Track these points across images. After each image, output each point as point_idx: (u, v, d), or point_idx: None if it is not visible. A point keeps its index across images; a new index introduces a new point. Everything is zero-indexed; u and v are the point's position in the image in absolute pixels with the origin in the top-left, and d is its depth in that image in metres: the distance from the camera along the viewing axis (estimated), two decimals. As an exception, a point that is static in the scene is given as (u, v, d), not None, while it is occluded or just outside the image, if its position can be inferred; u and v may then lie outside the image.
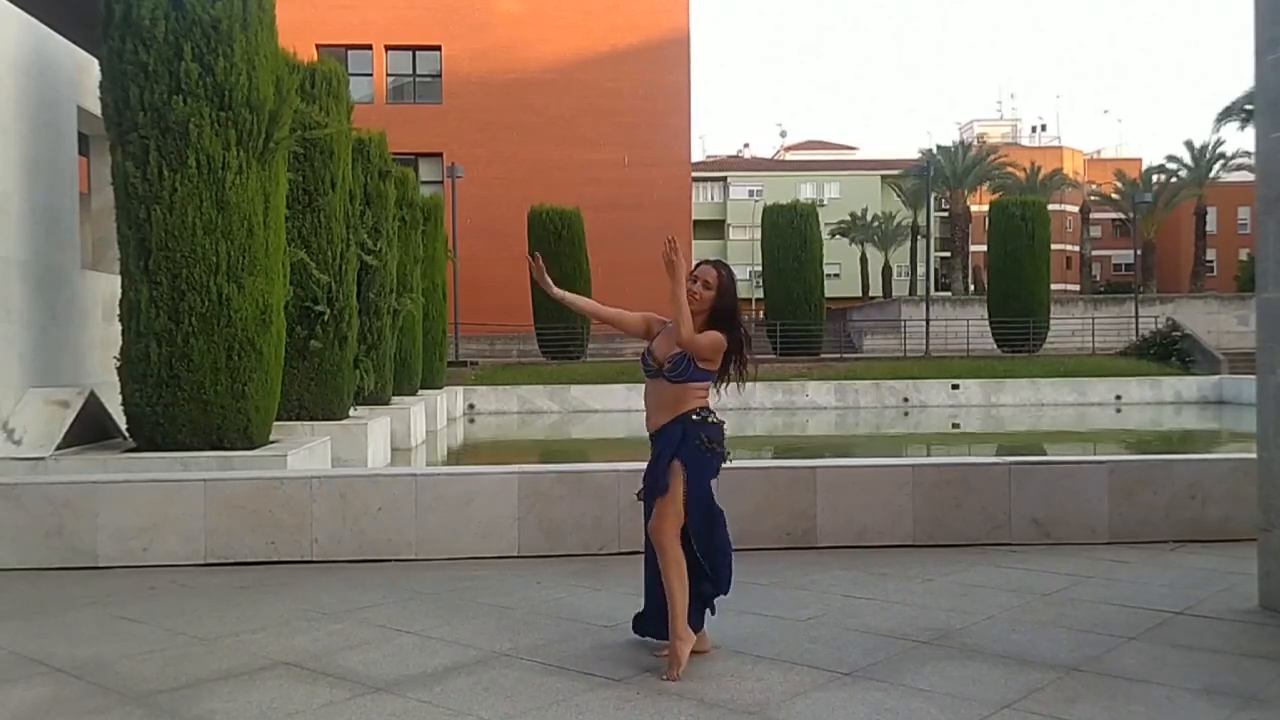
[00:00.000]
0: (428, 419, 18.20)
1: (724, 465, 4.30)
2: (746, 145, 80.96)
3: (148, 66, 8.22)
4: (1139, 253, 45.99)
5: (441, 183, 32.58)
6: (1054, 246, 38.50)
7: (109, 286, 9.94)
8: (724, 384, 4.37)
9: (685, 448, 4.15)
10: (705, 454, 4.19)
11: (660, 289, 4.28)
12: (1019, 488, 6.66)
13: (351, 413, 12.97)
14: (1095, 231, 67.36)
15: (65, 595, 5.51)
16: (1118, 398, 27.80)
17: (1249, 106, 40.11)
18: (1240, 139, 54.74)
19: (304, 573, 6.01)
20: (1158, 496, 6.73)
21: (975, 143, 59.65)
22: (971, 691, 3.75)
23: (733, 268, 4.46)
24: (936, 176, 47.84)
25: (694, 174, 44.48)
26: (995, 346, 33.73)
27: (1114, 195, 58.97)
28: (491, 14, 36.86)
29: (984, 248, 38.17)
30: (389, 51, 37.19)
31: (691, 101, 38.19)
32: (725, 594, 4.31)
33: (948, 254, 56.90)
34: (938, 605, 5.03)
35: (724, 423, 4.31)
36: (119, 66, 8.30)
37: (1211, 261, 60.08)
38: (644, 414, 4.32)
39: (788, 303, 32.15)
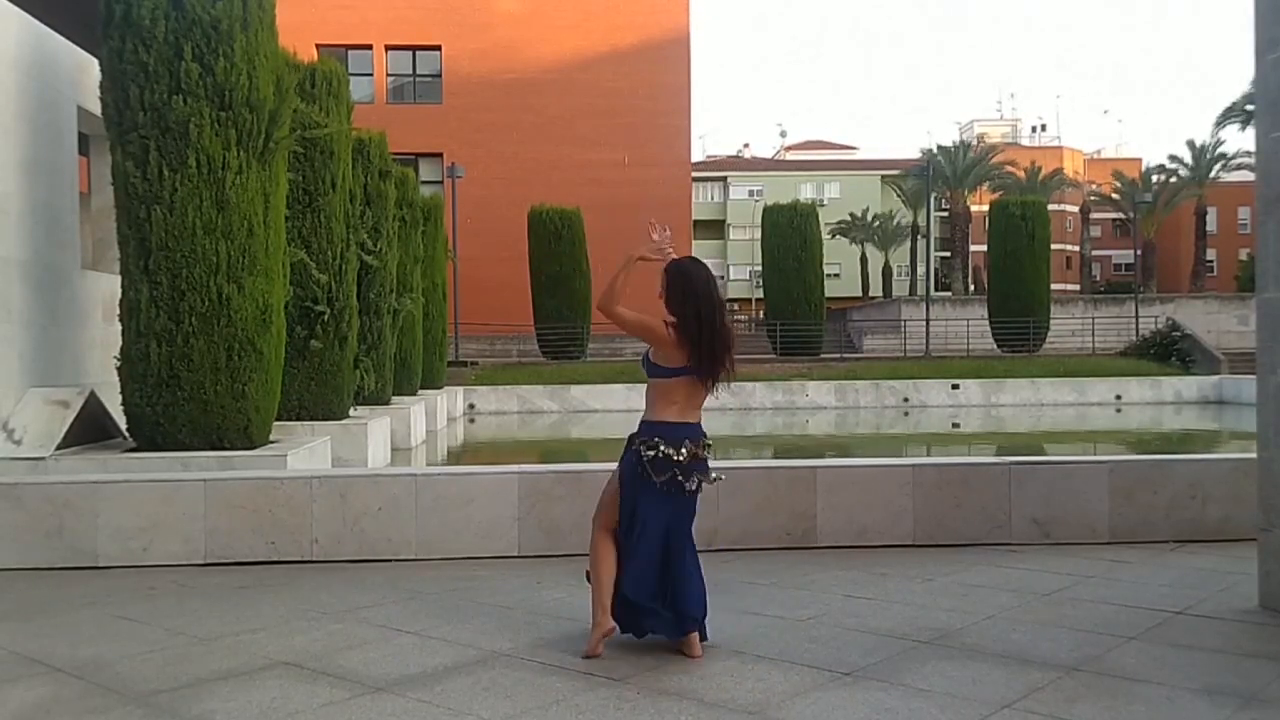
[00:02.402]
0: (428, 419, 18.20)
1: (712, 476, 4.30)
2: (746, 145, 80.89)
3: (148, 66, 8.22)
4: (1139, 253, 46.02)
5: (441, 183, 32.59)
6: (1054, 246, 38.52)
7: (109, 286, 9.94)
8: (705, 386, 4.24)
9: (626, 457, 4.27)
10: (639, 473, 4.19)
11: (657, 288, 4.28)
12: (1019, 488, 6.66)
13: (351, 413, 12.97)
14: (1095, 231, 67.37)
15: (65, 595, 5.51)
16: (1118, 398, 27.80)
17: (1249, 107, 40.11)
18: (1241, 139, 54.78)
19: (304, 573, 6.01)
20: (1158, 496, 6.73)
21: (975, 143, 59.67)
22: (971, 691, 3.75)
23: (702, 262, 4.36)
24: (936, 176, 47.84)
25: (694, 174, 44.49)
26: (995, 346, 33.74)
27: (1114, 195, 58.99)
28: (491, 14, 36.87)
29: (984, 248, 38.20)
30: (389, 51, 37.21)
31: (691, 101, 38.22)
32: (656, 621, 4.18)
33: (948, 254, 56.91)
34: (938, 605, 5.03)
35: (674, 454, 4.12)
36: (119, 66, 8.30)
37: (1211, 261, 60.08)
38: None
39: (788, 303, 32.17)
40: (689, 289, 4.19)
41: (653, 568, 4.19)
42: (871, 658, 4.17)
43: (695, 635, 4.19)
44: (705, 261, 4.47)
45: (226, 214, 8.34)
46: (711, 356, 4.17)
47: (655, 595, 4.18)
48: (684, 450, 4.15)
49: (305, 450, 9.03)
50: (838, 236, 59.49)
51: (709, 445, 4.28)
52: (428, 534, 6.38)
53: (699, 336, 4.13)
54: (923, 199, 50.33)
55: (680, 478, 4.16)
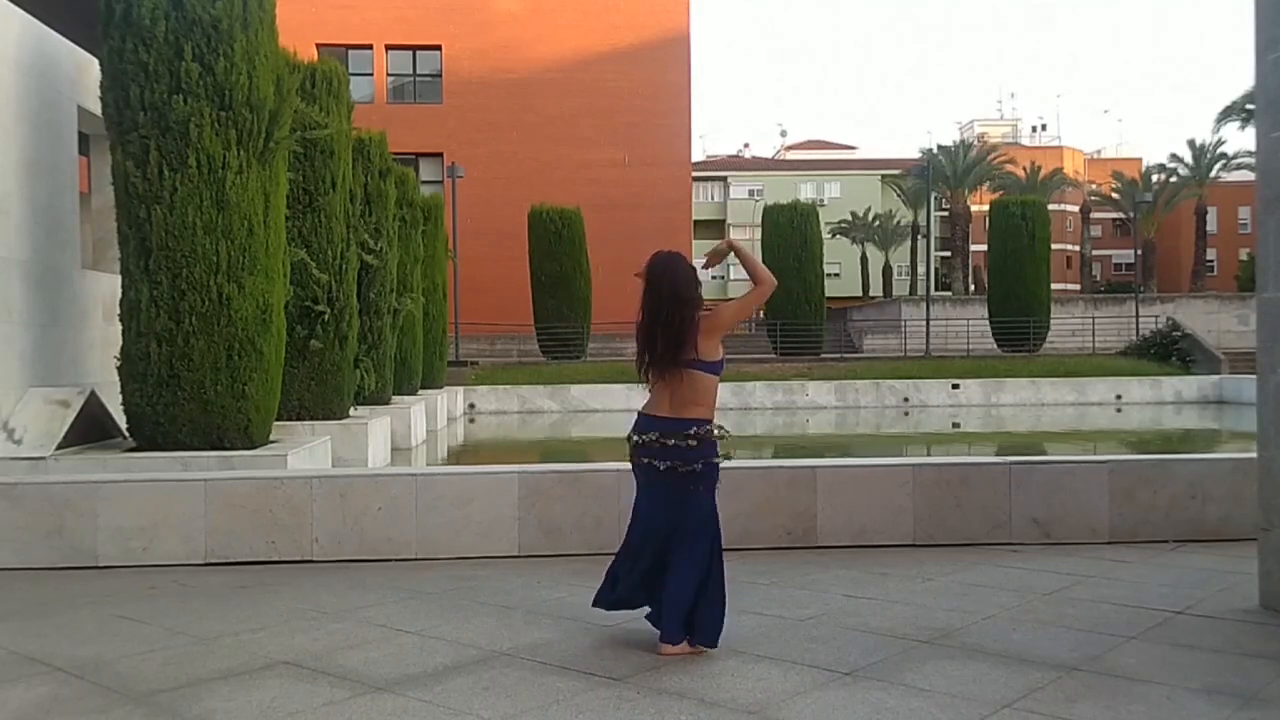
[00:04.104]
0: (428, 419, 18.20)
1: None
2: (746, 145, 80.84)
3: (148, 66, 8.22)
4: (1139, 252, 46.02)
5: (441, 183, 32.58)
6: (1054, 246, 38.46)
7: (109, 286, 9.94)
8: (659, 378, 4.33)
9: None
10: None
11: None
12: (1019, 487, 6.66)
13: (352, 412, 12.97)
14: (1095, 231, 67.34)
15: (65, 595, 5.51)
16: (1118, 397, 27.79)
17: (1250, 106, 40.11)
18: (1241, 139, 54.77)
19: (304, 572, 6.01)
20: (1158, 496, 6.73)
21: (975, 142, 59.57)
22: (972, 691, 3.75)
23: (671, 255, 4.36)
24: (936, 176, 47.81)
25: (694, 174, 44.46)
26: (995, 346, 33.73)
27: (1114, 195, 58.96)
28: (492, 13, 36.86)
29: (984, 247, 38.18)
30: (389, 51, 37.20)
31: (691, 101, 38.20)
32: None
33: (948, 254, 56.87)
34: (938, 605, 5.04)
35: (638, 439, 4.35)
36: (119, 66, 8.30)
37: (1212, 261, 60.07)
38: (713, 410, 4.40)
39: (788, 302, 32.13)
40: (646, 283, 4.29)
41: (638, 559, 4.35)
42: (871, 657, 4.17)
43: (667, 644, 4.22)
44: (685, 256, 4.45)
45: (226, 214, 8.34)
46: (645, 349, 4.26)
47: (638, 585, 4.37)
48: (648, 436, 4.27)
49: (305, 450, 9.03)
50: (838, 236, 59.46)
51: (693, 436, 4.26)
52: (428, 534, 6.39)
53: (638, 330, 4.29)
54: (923, 199, 50.33)
55: (650, 460, 4.27)
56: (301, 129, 11.02)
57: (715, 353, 4.29)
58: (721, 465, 4.38)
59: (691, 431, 4.24)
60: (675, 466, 4.23)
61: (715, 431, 4.33)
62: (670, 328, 4.19)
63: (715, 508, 4.36)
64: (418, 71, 37.80)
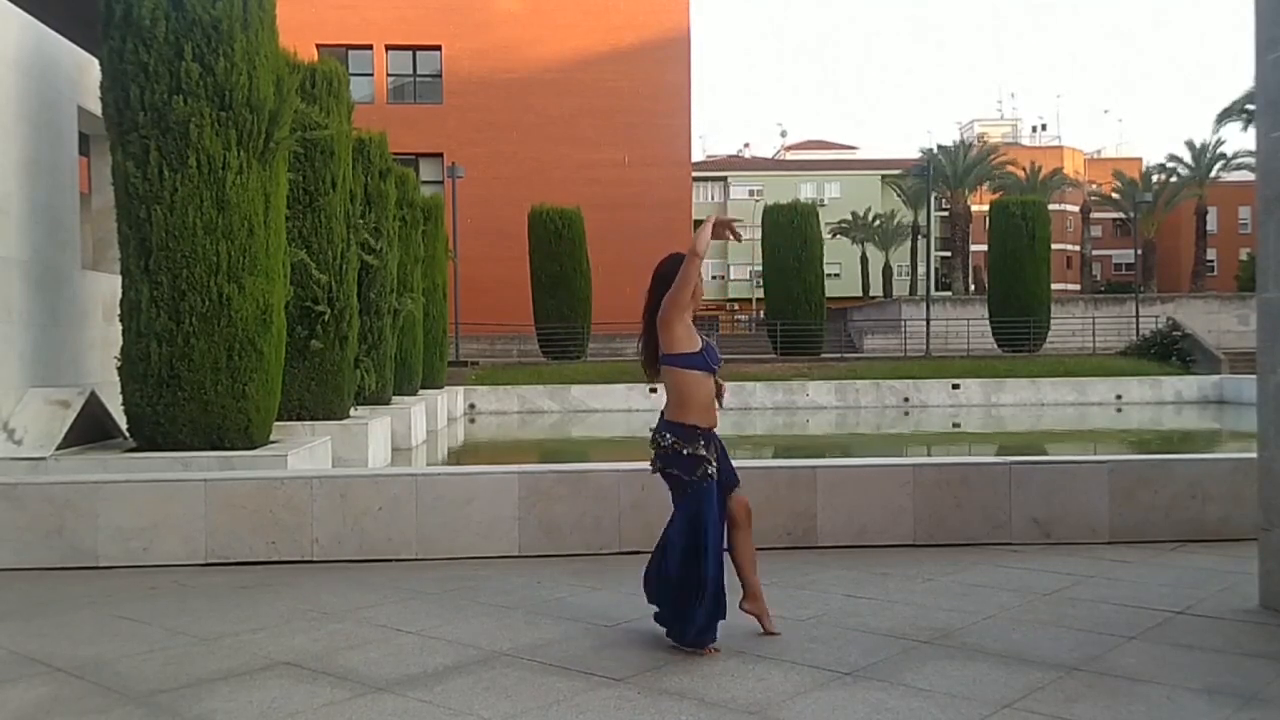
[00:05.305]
0: (428, 419, 18.20)
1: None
2: (746, 145, 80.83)
3: (148, 66, 8.22)
4: (1139, 252, 46.02)
5: (441, 183, 32.58)
6: (1054, 246, 38.45)
7: (109, 286, 9.95)
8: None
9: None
10: None
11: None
12: (1019, 487, 6.66)
13: (352, 413, 12.97)
14: (1096, 231, 67.32)
15: (65, 595, 5.51)
16: (1118, 397, 27.79)
17: (1250, 106, 40.10)
18: (1241, 139, 54.73)
19: (304, 573, 6.01)
20: (1158, 496, 6.74)
21: (975, 142, 59.57)
22: (972, 691, 3.75)
23: (672, 256, 4.40)
24: (937, 176, 47.80)
25: (694, 174, 44.44)
26: (995, 346, 33.73)
27: (1114, 195, 58.94)
28: (492, 13, 36.87)
29: (984, 247, 38.15)
30: (389, 51, 37.20)
31: (691, 101, 38.19)
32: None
33: (948, 254, 56.86)
34: (938, 605, 5.04)
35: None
36: (119, 66, 8.31)
37: (1212, 261, 60.04)
38: (701, 409, 4.26)
39: (788, 302, 32.16)
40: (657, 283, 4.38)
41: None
42: (872, 657, 4.17)
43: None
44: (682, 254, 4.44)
45: (227, 214, 8.35)
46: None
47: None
48: (656, 433, 4.36)
49: (305, 450, 9.04)
50: (838, 236, 59.43)
51: (654, 441, 4.34)
52: (428, 534, 6.39)
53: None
54: (923, 199, 50.32)
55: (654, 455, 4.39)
56: (301, 129, 11.02)
57: (679, 344, 4.20)
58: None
59: (675, 441, 4.24)
60: (664, 466, 4.30)
61: (688, 452, 4.21)
62: (649, 328, 4.38)
63: (692, 518, 4.22)
64: (418, 71, 37.80)
